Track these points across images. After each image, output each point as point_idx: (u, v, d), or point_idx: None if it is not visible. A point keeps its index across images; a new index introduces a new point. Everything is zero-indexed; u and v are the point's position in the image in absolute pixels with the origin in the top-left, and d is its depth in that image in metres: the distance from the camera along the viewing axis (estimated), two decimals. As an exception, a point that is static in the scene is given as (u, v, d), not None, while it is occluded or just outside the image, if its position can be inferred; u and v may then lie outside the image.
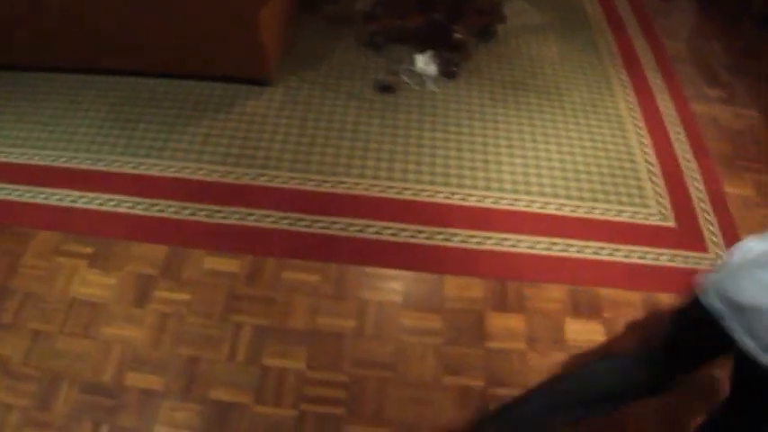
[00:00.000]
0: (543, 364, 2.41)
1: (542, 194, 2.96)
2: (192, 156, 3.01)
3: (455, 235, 2.76)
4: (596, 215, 2.90)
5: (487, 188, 2.96)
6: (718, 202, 3.02)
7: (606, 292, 2.64)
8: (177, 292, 2.52)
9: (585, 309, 2.58)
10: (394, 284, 2.60)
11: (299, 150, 3.07)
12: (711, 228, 2.92)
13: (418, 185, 2.95)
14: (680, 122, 3.43)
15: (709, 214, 2.97)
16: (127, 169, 2.94)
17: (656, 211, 2.94)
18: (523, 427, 1.91)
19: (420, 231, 2.77)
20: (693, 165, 3.19)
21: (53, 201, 2.79)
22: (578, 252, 2.75)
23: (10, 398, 2.20)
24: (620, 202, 2.96)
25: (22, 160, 2.95)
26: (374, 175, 2.98)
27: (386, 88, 3.43)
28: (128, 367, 2.30)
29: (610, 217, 2.90)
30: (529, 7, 4.20)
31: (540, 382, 1.97)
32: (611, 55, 3.88)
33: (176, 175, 2.92)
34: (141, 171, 2.93)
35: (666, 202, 3.00)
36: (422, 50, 3.63)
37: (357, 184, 2.94)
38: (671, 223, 2.91)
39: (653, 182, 3.07)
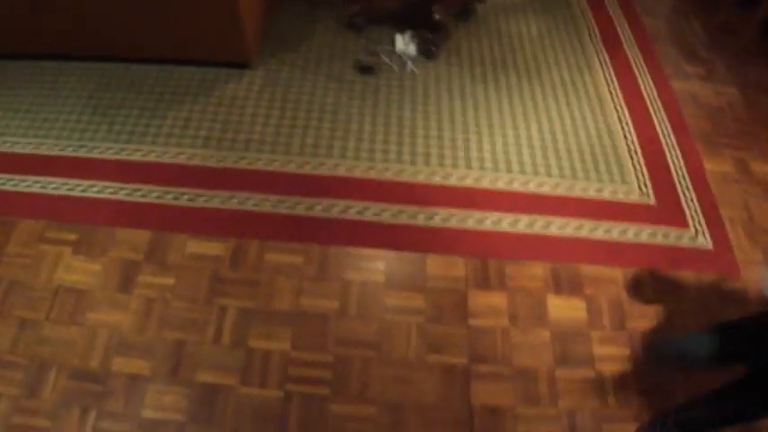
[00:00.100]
0: (526, 341, 2.44)
1: (523, 173, 2.98)
2: (173, 140, 3.01)
3: (437, 214, 2.78)
4: (577, 193, 2.92)
5: (468, 167, 2.98)
6: (698, 179, 3.05)
7: (587, 269, 2.67)
8: (161, 276, 2.53)
9: (567, 285, 2.61)
10: (376, 264, 2.61)
11: (279, 133, 3.07)
12: (691, 204, 2.94)
13: (399, 166, 2.96)
14: (659, 100, 3.44)
15: (688, 191, 3.00)
16: (108, 155, 2.93)
17: (635, 188, 2.97)
18: None
19: (402, 211, 2.78)
20: (673, 142, 3.21)
21: (36, 189, 2.79)
22: (559, 229, 2.77)
23: (-2, 385, 2.22)
24: (601, 180, 2.98)
25: (3, 149, 2.94)
26: (355, 156, 2.99)
27: (366, 69, 3.43)
28: (114, 352, 2.31)
29: (590, 194, 2.92)
30: (508, -14, 4.20)
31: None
32: (590, 33, 3.89)
33: (158, 159, 2.92)
34: (123, 157, 2.93)
35: (646, 179, 3.02)
36: (402, 31, 3.63)
37: (338, 165, 2.95)
38: (651, 200, 2.93)
39: (633, 159, 3.09)
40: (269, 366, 2.30)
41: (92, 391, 2.21)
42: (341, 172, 2.92)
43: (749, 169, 3.12)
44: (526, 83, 3.47)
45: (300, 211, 2.76)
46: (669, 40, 3.89)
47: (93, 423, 2.14)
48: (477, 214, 2.80)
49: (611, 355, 2.43)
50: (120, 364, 2.29)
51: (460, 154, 3.03)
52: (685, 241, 2.79)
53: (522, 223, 2.78)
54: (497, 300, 2.54)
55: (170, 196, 2.78)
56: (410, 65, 3.49)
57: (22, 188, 2.79)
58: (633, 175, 3.02)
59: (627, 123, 3.28)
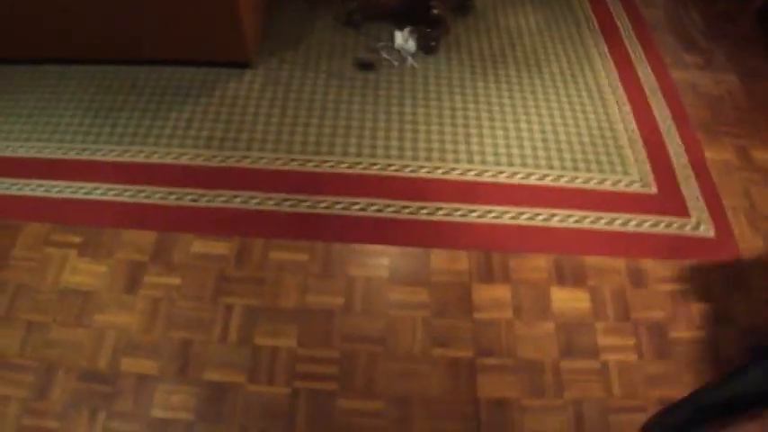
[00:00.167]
0: (530, 333, 2.45)
1: (524, 165, 2.99)
2: (175, 141, 3.02)
3: (439, 209, 2.79)
4: (578, 184, 2.93)
5: (470, 161, 2.99)
6: (699, 168, 3.06)
7: (590, 260, 2.68)
8: (167, 276, 2.55)
9: (570, 277, 2.62)
10: (381, 260, 2.63)
11: (281, 131, 3.08)
12: (693, 193, 2.95)
13: (401, 161, 2.97)
14: (659, 90, 3.45)
15: (690, 180, 3.00)
16: (112, 157, 2.94)
17: (637, 179, 2.98)
18: None
19: (405, 207, 2.79)
20: (674, 131, 3.22)
21: (40, 192, 2.80)
22: (561, 221, 2.78)
23: (7, 389, 2.23)
24: (602, 171, 2.99)
25: (6, 154, 2.95)
26: (357, 152, 3.00)
27: (366, 66, 3.44)
28: (122, 353, 2.33)
29: (592, 186, 2.93)
30: (506, -20, 4.21)
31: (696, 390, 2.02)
32: (589, 24, 3.89)
33: (161, 161, 2.93)
34: (126, 159, 2.94)
35: (648, 169, 3.02)
36: (401, 27, 3.63)
37: (340, 162, 2.96)
38: (652, 190, 2.94)
39: (634, 150, 3.10)
40: (276, 363, 2.32)
41: (100, 391, 2.23)
42: (343, 169, 2.93)
43: (750, 157, 3.13)
44: (526, 76, 3.48)
45: (304, 208, 2.77)
46: (667, 30, 3.89)
47: (102, 423, 2.15)
48: (480, 208, 2.81)
49: (616, 346, 2.44)
50: (128, 364, 2.30)
51: (462, 148, 3.04)
52: (687, 230, 2.80)
53: (524, 216, 2.79)
54: (501, 293, 2.56)
55: (174, 197, 2.79)
56: (410, 60, 3.49)
57: (26, 192, 2.80)
58: (634, 166, 3.03)
59: (627, 114, 3.29)
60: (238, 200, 2.79)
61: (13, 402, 2.19)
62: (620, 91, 3.42)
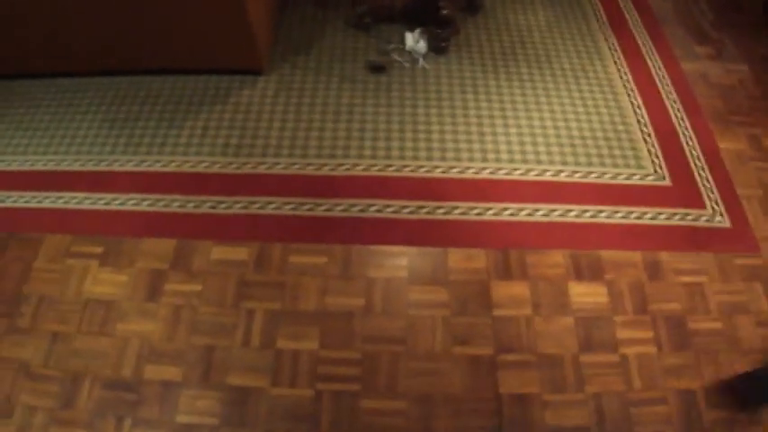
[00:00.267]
0: (550, 329, 2.46)
1: (539, 162, 3.00)
2: (192, 149, 3.04)
3: (455, 208, 2.80)
4: (593, 179, 2.93)
5: (484, 160, 3.00)
6: (713, 158, 3.06)
7: (607, 254, 2.68)
8: (188, 283, 2.57)
9: (588, 272, 2.63)
10: (399, 261, 2.64)
11: (296, 136, 3.10)
12: (707, 184, 2.95)
13: (416, 162, 2.98)
14: (671, 82, 3.45)
15: (704, 171, 3.01)
16: (129, 167, 2.97)
17: (651, 172, 2.98)
18: None
19: (421, 207, 2.81)
20: (686, 123, 3.22)
21: (59, 204, 2.83)
22: (577, 216, 2.79)
23: (34, 400, 2.25)
24: (616, 165, 3.00)
25: (25, 167, 2.98)
26: (372, 155, 3.02)
27: (378, 68, 3.46)
28: (146, 360, 2.35)
29: (606, 180, 2.93)
30: (514, -23, 4.22)
31: None
32: (598, 19, 3.90)
33: (178, 169, 2.96)
34: (144, 168, 2.97)
35: (661, 161, 3.03)
36: (411, 28, 3.65)
37: (356, 165, 2.97)
38: (667, 182, 2.94)
39: (647, 143, 3.11)
40: (298, 366, 2.34)
41: (126, 399, 2.26)
42: (359, 171, 2.94)
43: (763, 146, 3.13)
44: (537, 72, 3.49)
45: (321, 212, 2.79)
46: (676, 22, 3.89)
47: (128, 431, 2.18)
48: (496, 206, 2.82)
49: (635, 339, 2.45)
50: (152, 371, 2.33)
51: (476, 147, 3.05)
52: (703, 221, 2.80)
53: (540, 212, 2.80)
54: (520, 289, 2.57)
55: (192, 204, 2.81)
56: (421, 61, 3.51)
57: (46, 205, 2.83)
58: (648, 159, 3.04)
59: (639, 107, 3.29)
60: (256, 205, 2.81)
61: (39, 412, 2.22)
62: (632, 84, 3.42)
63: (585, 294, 2.56)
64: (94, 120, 3.20)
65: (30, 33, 3.06)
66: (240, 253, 2.65)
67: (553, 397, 2.29)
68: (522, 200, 2.84)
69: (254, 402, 2.25)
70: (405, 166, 2.96)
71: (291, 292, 2.54)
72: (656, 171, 2.98)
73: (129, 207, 2.81)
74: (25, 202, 2.84)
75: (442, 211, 2.79)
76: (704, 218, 2.81)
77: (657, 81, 3.45)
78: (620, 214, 2.80)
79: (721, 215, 2.83)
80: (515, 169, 2.96)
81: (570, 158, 3.01)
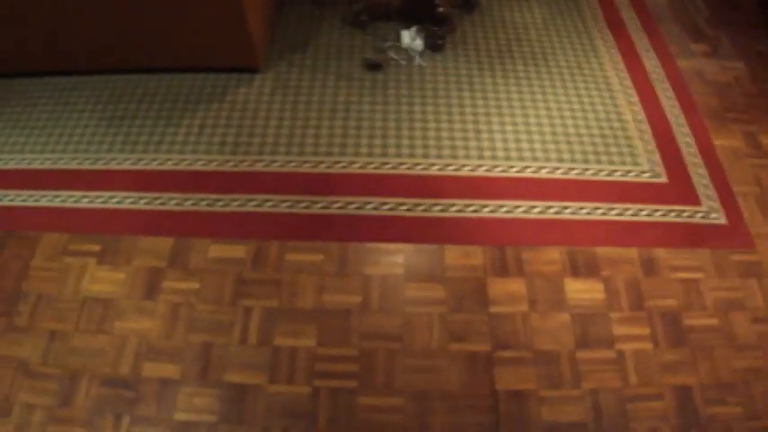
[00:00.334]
0: (546, 325, 2.47)
1: (535, 159, 3.00)
2: (188, 147, 3.05)
3: (452, 205, 2.81)
4: (589, 176, 2.94)
5: (480, 157, 3.00)
6: (709, 156, 3.07)
7: (603, 251, 2.69)
8: (186, 281, 2.57)
9: (584, 268, 2.64)
10: (395, 258, 2.65)
11: (293, 134, 3.11)
12: (703, 181, 2.96)
13: (412, 159, 2.99)
14: (667, 79, 3.46)
15: (700, 168, 3.01)
16: (126, 166, 2.97)
17: (647, 169, 2.99)
18: None
19: (417, 204, 2.81)
20: (682, 120, 3.23)
21: (57, 203, 2.83)
22: (573, 213, 2.80)
23: (32, 398, 2.26)
24: (612, 162, 3.00)
25: (22, 166, 2.99)
26: (368, 152, 3.02)
27: (374, 66, 3.46)
28: (144, 358, 2.36)
29: (602, 177, 2.94)
30: (510, -25, 4.22)
31: None
32: (594, 16, 3.90)
33: (175, 167, 2.96)
34: (141, 166, 2.97)
35: (657, 158, 3.04)
36: (407, 26, 3.65)
37: (352, 162, 2.98)
38: (663, 179, 2.95)
39: (643, 140, 3.11)
40: (296, 363, 2.34)
41: (124, 397, 2.26)
42: (355, 169, 2.95)
43: (759, 143, 3.14)
44: (533, 70, 3.49)
45: (318, 209, 2.80)
46: (672, 19, 3.89)
47: (126, 428, 2.18)
48: (492, 203, 2.82)
49: (631, 335, 2.45)
50: (150, 369, 2.33)
51: (472, 144, 3.06)
52: (699, 218, 2.81)
53: (536, 209, 2.81)
54: (516, 286, 2.57)
55: (189, 202, 2.82)
56: (417, 59, 3.51)
57: (43, 203, 2.83)
58: (644, 156, 3.04)
59: (635, 104, 3.30)
60: (253, 203, 2.81)
61: (38, 410, 2.22)
62: (628, 82, 3.43)
63: (582, 291, 2.57)
64: (92, 118, 3.20)
65: (27, 32, 3.06)
66: (237, 251, 2.66)
67: (550, 393, 2.30)
68: (519, 197, 2.85)
69: (251, 399, 2.25)
70: (401, 164, 2.96)
71: (288, 289, 2.55)
72: (651, 168, 2.98)
73: (126, 205, 2.81)
74: (22, 200, 2.84)
75: (438, 208, 2.80)
76: (700, 214, 2.82)
77: (653, 78, 3.46)
78: (615, 211, 2.81)
79: (717, 212, 2.84)
80: (511, 167, 2.96)
81: (566, 155, 3.02)
